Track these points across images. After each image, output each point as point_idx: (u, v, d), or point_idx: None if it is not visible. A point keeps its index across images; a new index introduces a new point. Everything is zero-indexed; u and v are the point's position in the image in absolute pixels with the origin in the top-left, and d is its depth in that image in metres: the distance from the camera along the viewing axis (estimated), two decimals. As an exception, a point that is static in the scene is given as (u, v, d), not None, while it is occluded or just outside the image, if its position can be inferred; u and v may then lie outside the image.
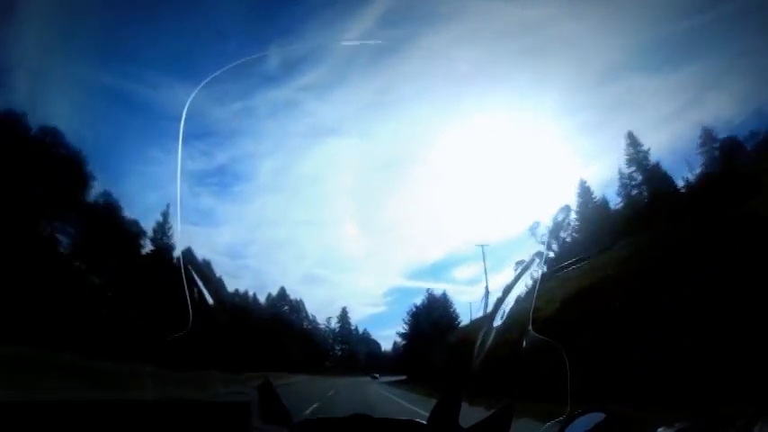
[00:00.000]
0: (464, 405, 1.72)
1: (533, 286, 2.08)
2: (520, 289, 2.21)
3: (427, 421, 1.73)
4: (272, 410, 1.65)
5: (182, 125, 1.98)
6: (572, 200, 22.31)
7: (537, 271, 2.44)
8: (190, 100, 2.04)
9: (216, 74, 2.31)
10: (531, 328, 1.79)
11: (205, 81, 2.20)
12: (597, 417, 1.53)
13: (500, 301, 2.33)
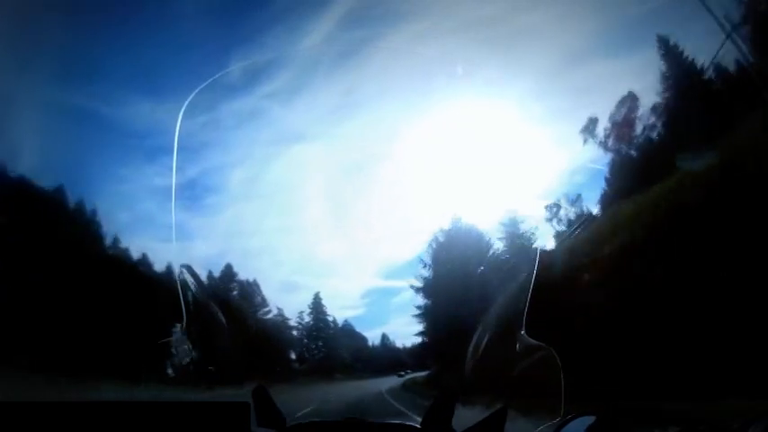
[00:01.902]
0: (458, 408, 1.71)
1: (527, 289, 2.08)
2: (512, 290, 2.21)
3: (421, 424, 1.73)
4: (267, 414, 1.68)
5: (176, 140, 1.96)
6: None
7: (531, 272, 2.44)
8: (181, 115, 2.02)
9: (196, 91, 2.28)
10: (523, 332, 1.79)
11: (190, 97, 2.17)
12: (589, 420, 1.54)
13: (493, 303, 2.33)
